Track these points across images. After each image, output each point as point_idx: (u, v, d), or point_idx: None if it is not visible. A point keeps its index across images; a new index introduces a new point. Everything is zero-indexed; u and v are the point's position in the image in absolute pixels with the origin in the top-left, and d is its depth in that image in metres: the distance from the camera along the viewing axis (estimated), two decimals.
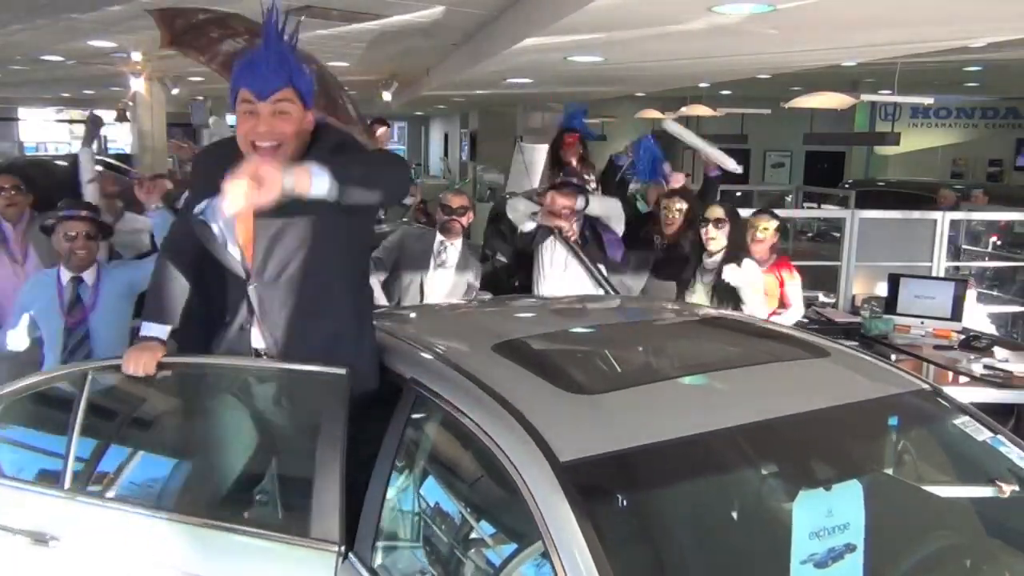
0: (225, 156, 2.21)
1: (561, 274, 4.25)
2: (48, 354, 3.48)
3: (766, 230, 4.72)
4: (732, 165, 5.42)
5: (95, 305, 3.51)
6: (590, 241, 4.37)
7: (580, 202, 4.29)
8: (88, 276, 3.54)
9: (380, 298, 4.15)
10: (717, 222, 4.30)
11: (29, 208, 4.40)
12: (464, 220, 4.33)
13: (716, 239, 4.30)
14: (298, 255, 2.25)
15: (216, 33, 3.71)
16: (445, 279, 4.33)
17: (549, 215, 4.27)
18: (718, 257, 4.29)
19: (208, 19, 3.80)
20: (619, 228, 4.45)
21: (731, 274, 4.18)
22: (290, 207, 2.01)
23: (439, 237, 4.33)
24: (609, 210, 4.44)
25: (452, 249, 4.33)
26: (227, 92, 2.28)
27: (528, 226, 4.38)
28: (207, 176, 2.23)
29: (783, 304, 4.74)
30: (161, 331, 2.42)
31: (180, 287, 2.44)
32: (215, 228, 2.27)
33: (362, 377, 2.23)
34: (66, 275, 3.52)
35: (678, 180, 5.50)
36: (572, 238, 4.27)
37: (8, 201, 4.30)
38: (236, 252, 2.28)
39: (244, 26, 3.86)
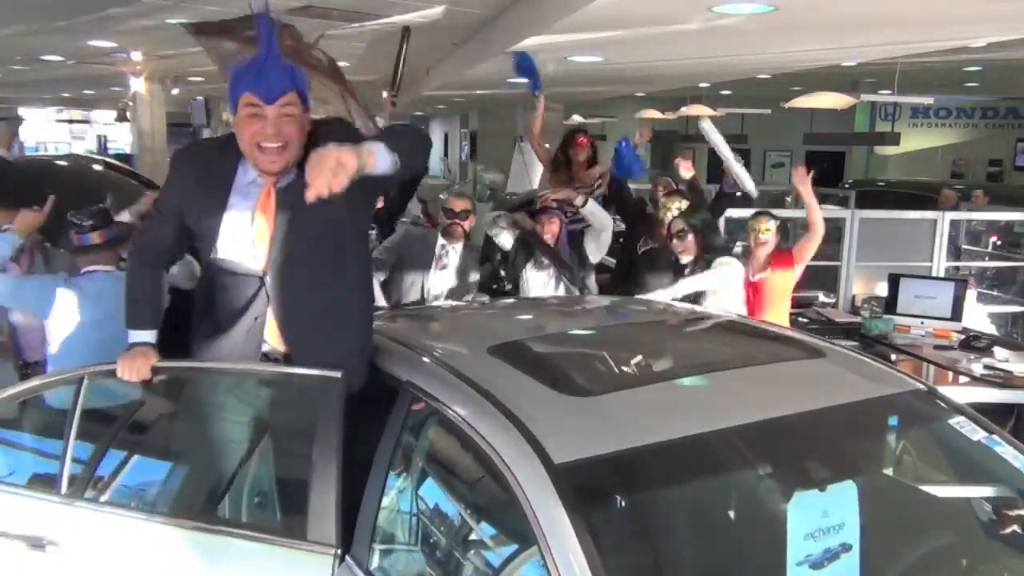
0: (204, 158, 2.38)
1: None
2: None
3: (768, 231, 4.68)
4: (751, 187, 5.44)
5: None
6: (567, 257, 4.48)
7: (579, 199, 4.32)
8: None
9: (379, 299, 4.17)
10: (679, 233, 4.40)
11: None
12: (466, 224, 4.34)
13: (684, 251, 4.40)
14: (312, 247, 2.33)
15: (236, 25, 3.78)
16: (445, 281, 4.34)
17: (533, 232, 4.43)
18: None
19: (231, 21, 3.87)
20: (597, 252, 4.59)
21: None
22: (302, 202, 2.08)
23: (440, 240, 4.35)
24: (603, 225, 4.50)
25: (453, 253, 4.35)
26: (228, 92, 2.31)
27: (506, 242, 4.53)
28: (185, 177, 2.36)
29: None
30: (149, 336, 2.42)
31: (159, 291, 2.48)
32: (228, 228, 2.31)
33: (353, 372, 2.26)
34: None
35: (687, 168, 5.44)
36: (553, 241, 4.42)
37: None
38: (250, 248, 2.32)
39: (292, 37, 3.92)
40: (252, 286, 2.35)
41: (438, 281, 4.33)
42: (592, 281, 4.64)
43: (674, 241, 4.44)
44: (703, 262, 4.38)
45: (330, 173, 1.94)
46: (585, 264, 4.57)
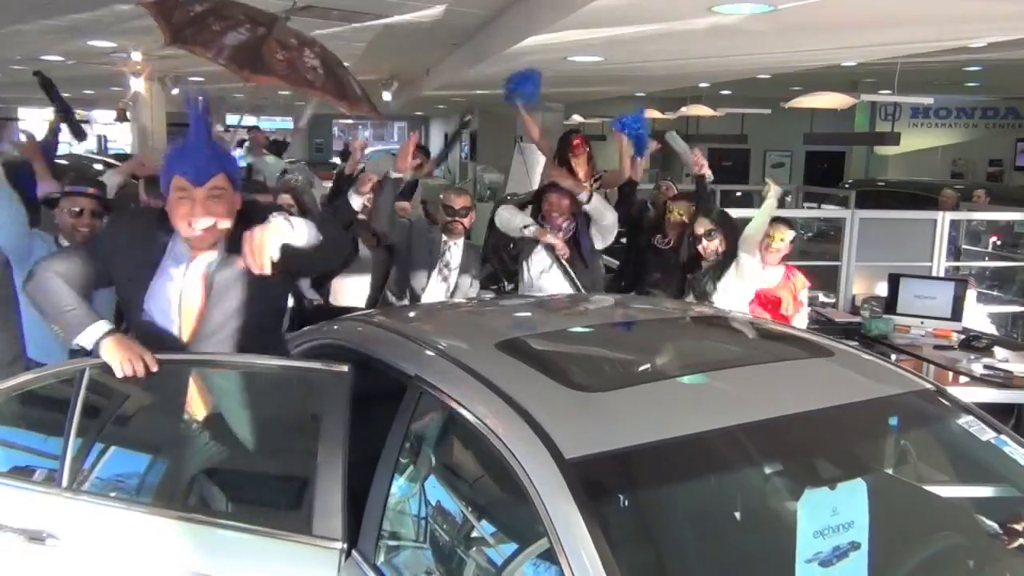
0: (141, 225, 2.57)
1: (544, 280, 4.36)
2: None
3: (782, 240, 4.57)
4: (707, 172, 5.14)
5: None
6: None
7: (583, 195, 4.31)
8: None
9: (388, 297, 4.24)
10: (708, 234, 4.22)
11: None
12: (467, 221, 4.35)
13: (711, 252, 4.23)
14: (233, 323, 2.52)
15: (218, 26, 3.70)
16: (448, 278, 4.35)
17: (543, 232, 4.33)
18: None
19: (206, 10, 3.76)
20: (601, 240, 4.51)
21: None
22: (237, 278, 2.44)
23: (442, 237, 4.36)
24: (604, 216, 4.45)
25: (455, 248, 4.36)
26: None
27: (526, 227, 4.42)
28: (119, 239, 2.54)
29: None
30: (105, 324, 2.42)
31: (81, 291, 2.48)
32: (155, 296, 2.49)
33: None
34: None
35: (698, 163, 5.28)
36: (564, 256, 4.34)
37: None
38: (176, 318, 2.50)
39: (243, 13, 3.83)
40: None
41: (440, 278, 4.34)
42: (599, 269, 4.58)
43: (702, 243, 4.22)
44: (723, 263, 4.20)
45: (254, 253, 2.20)
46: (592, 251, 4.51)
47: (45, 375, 2.62)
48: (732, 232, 4.28)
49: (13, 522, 2.41)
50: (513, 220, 4.48)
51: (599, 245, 4.52)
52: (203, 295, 2.48)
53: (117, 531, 2.31)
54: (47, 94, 5.32)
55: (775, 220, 4.70)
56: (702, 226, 4.26)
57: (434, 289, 4.32)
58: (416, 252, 4.34)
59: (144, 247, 2.48)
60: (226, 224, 2.42)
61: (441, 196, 4.54)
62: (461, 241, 4.37)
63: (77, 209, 3.53)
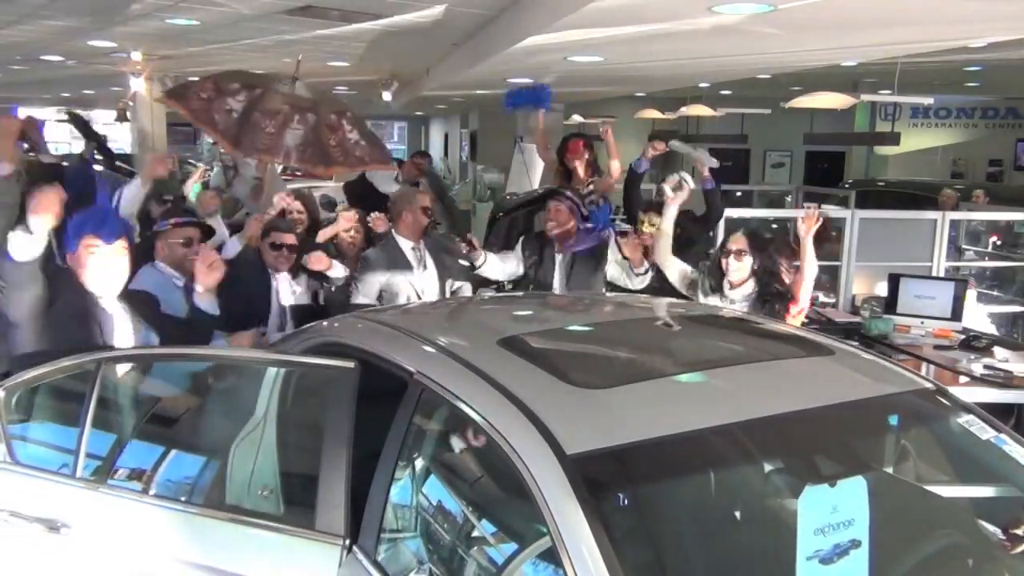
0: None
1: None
2: None
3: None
4: (709, 159, 5.11)
5: None
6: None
7: (478, 259, 4.35)
8: None
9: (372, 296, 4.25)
10: (738, 254, 3.99)
11: None
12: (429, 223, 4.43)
13: (737, 271, 4.01)
14: None
15: (207, 94, 4.01)
16: (430, 277, 4.37)
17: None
18: (743, 290, 4.03)
19: (204, 80, 3.95)
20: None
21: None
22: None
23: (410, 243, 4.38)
24: (495, 274, 4.52)
25: (424, 247, 4.39)
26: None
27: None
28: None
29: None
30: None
31: None
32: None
33: None
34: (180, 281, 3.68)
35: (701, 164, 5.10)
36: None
37: None
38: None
39: (240, 81, 3.97)
40: None
41: (423, 279, 4.35)
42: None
43: (730, 260, 4.02)
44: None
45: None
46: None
47: (64, 367, 2.64)
48: (767, 260, 4.13)
49: (30, 511, 2.45)
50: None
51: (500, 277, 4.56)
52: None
53: (127, 522, 2.35)
54: (81, 132, 6.16)
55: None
56: (737, 243, 4.06)
57: (419, 290, 4.34)
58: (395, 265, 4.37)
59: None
60: (126, 277, 3.03)
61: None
62: (423, 241, 4.39)
63: (184, 240, 3.70)
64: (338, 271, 4.16)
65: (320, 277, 4.21)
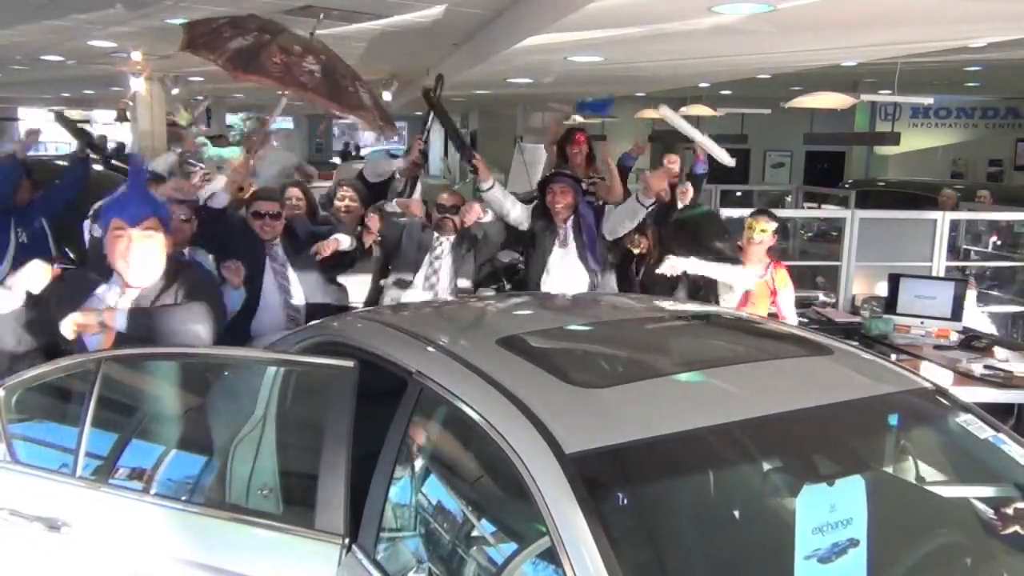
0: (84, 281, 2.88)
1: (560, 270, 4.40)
2: None
3: (764, 231, 4.44)
4: (726, 158, 5.10)
5: None
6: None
7: (484, 184, 4.48)
8: None
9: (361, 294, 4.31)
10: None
11: None
12: (458, 219, 4.41)
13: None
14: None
15: (228, 33, 3.88)
16: (442, 276, 4.37)
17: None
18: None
19: (224, 22, 3.94)
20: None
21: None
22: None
23: (434, 234, 4.43)
24: (503, 207, 4.54)
25: (447, 243, 4.42)
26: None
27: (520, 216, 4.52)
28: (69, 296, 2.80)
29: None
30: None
31: None
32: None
33: None
34: None
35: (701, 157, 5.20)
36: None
37: None
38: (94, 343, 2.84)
39: (256, 24, 3.96)
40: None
41: (431, 270, 4.38)
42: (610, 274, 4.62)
43: (754, 237, 4.44)
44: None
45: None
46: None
47: (64, 366, 2.65)
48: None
49: (29, 510, 2.45)
50: (514, 214, 4.54)
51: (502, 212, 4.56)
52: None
53: (126, 521, 2.35)
54: (70, 131, 6.26)
55: (756, 212, 4.65)
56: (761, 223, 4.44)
57: (420, 283, 4.37)
58: (405, 249, 4.42)
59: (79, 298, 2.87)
60: (158, 262, 2.79)
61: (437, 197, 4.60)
62: (452, 238, 4.43)
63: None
64: (345, 242, 4.17)
65: (335, 266, 4.23)
